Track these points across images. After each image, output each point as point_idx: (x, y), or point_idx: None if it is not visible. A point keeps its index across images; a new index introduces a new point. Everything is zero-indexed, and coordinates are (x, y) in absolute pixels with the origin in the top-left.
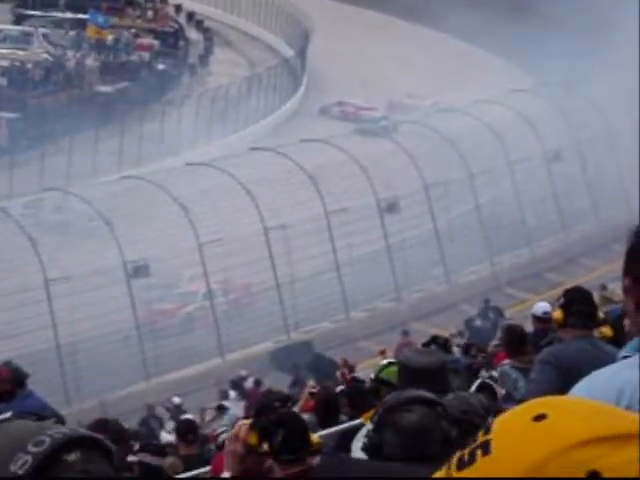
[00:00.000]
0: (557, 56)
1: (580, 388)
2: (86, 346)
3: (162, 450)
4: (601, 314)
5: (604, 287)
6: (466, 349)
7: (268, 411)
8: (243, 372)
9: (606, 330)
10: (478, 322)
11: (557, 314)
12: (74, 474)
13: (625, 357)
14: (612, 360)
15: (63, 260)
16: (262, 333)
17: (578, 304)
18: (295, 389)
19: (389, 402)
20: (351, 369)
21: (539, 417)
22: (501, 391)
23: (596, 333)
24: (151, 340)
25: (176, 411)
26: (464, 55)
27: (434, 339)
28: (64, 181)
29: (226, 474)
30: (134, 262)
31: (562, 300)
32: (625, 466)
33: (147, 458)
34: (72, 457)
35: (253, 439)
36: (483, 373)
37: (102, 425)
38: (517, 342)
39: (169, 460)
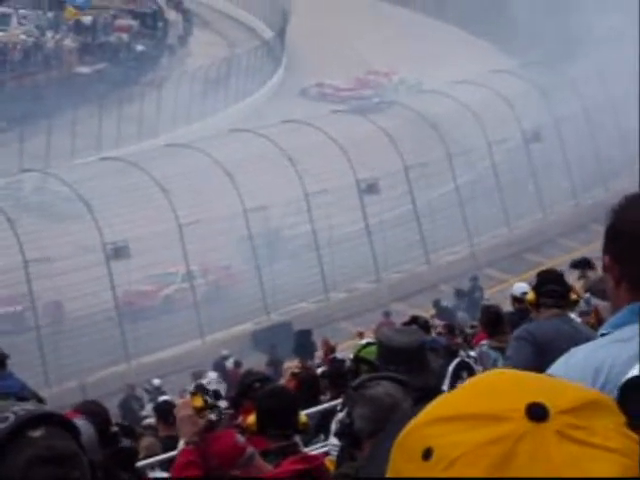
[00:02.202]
0: (536, 36)
1: (559, 365)
2: (66, 327)
3: (133, 431)
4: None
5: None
6: (448, 329)
7: (249, 392)
8: (224, 352)
9: None
10: (445, 303)
11: (530, 296)
12: (39, 450)
13: (603, 335)
14: (587, 338)
15: (42, 241)
16: (242, 314)
17: (550, 284)
18: (270, 368)
19: (357, 381)
20: (332, 349)
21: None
22: (480, 369)
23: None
24: (131, 321)
25: (156, 393)
26: (443, 36)
27: (414, 319)
28: (43, 162)
29: (181, 441)
30: (114, 244)
31: (534, 282)
32: (453, 446)
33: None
34: (37, 433)
35: (198, 401)
36: (462, 353)
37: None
38: (494, 322)
39: (147, 441)
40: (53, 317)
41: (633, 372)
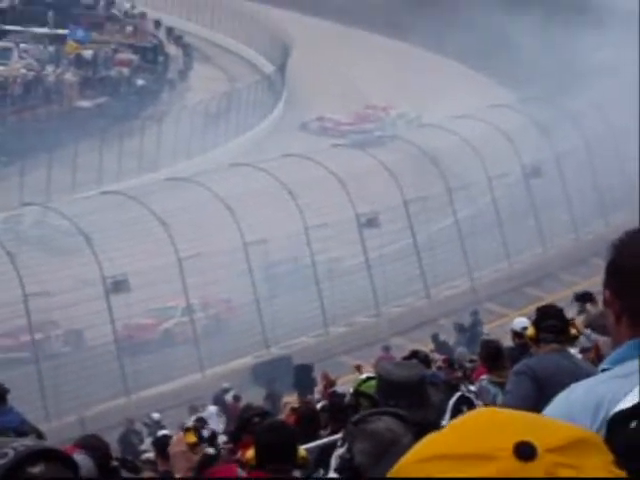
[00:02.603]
0: (535, 71)
1: (559, 400)
2: (65, 361)
3: (135, 467)
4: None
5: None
6: (448, 364)
7: (249, 426)
8: (225, 384)
9: None
10: (444, 337)
11: (530, 331)
12: None
13: (604, 370)
14: (587, 374)
15: (42, 275)
16: (242, 348)
17: (549, 320)
18: (268, 403)
19: (357, 416)
20: (331, 383)
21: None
22: (480, 404)
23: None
24: (131, 355)
25: (155, 427)
26: (442, 70)
27: (414, 354)
28: (43, 196)
29: (177, 477)
30: (113, 277)
31: (534, 317)
32: None
33: (123, 474)
34: (36, 469)
35: (191, 437)
36: (463, 388)
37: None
38: (494, 357)
39: (146, 476)
40: (76, 344)
41: (620, 406)
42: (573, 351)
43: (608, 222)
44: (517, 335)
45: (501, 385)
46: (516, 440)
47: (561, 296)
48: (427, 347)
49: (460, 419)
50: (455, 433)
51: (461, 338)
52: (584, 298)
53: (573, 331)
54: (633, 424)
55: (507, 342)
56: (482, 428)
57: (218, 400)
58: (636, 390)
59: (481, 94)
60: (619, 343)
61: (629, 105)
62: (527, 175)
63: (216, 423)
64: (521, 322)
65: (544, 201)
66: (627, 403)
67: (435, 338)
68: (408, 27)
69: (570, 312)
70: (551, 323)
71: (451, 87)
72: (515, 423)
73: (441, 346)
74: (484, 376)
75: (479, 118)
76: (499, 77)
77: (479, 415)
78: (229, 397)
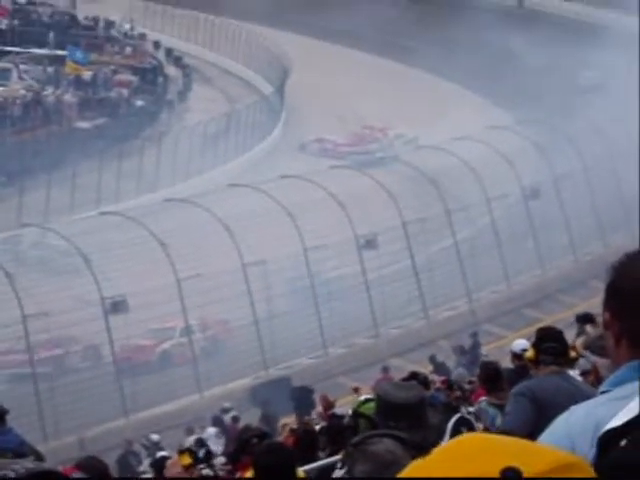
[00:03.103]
0: (533, 92)
1: (559, 422)
2: (64, 382)
3: None
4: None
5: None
6: (447, 385)
7: (247, 448)
8: (226, 404)
9: None
10: (442, 358)
11: (529, 353)
12: None
13: (603, 392)
14: (586, 396)
15: (41, 296)
16: (241, 369)
17: (549, 342)
18: (262, 424)
19: (357, 438)
20: (330, 405)
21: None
22: (480, 426)
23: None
24: (129, 376)
25: (154, 448)
26: (440, 91)
27: (414, 375)
28: (42, 217)
29: None
30: (112, 298)
31: (533, 339)
32: None
33: None
34: None
35: (186, 459)
36: (462, 409)
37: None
38: (493, 379)
39: None
40: (95, 359)
41: (612, 423)
42: (573, 373)
43: (607, 244)
44: (516, 357)
45: (500, 407)
46: (503, 465)
47: (560, 318)
48: (426, 368)
49: (448, 444)
50: (443, 458)
51: (460, 359)
52: (585, 319)
53: (572, 354)
54: (623, 442)
55: (506, 364)
56: (469, 453)
57: (217, 421)
58: (627, 408)
59: (479, 115)
60: (618, 365)
61: (627, 126)
62: (526, 197)
63: (215, 444)
64: (521, 344)
65: (543, 223)
66: (618, 421)
67: (433, 359)
68: (406, 49)
69: (569, 334)
70: (551, 345)
71: (449, 108)
72: (502, 448)
73: (439, 367)
74: (483, 398)
75: (478, 140)
76: (496, 98)
77: (466, 440)
78: (228, 417)
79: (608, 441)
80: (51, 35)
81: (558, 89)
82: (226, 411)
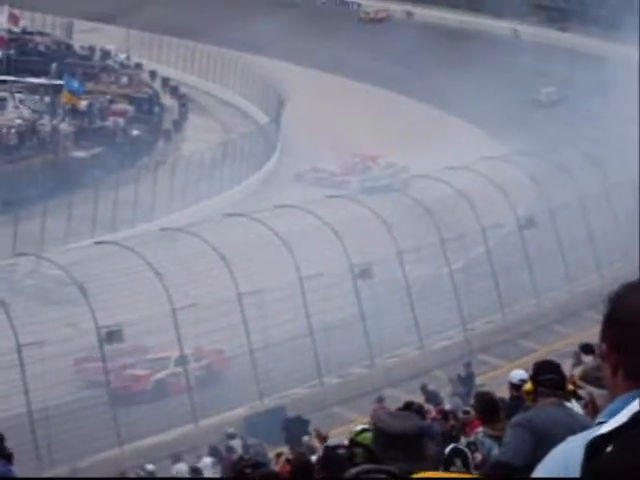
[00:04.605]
0: (527, 124)
1: (556, 453)
2: (58, 412)
3: None
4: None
5: (577, 354)
6: (442, 415)
7: (241, 477)
8: (230, 429)
9: None
10: (432, 386)
11: (527, 386)
12: None
13: (600, 423)
14: (584, 427)
15: (36, 325)
16: (235, 399)
17: (546, 374)
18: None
19: (349, 474)
20: (324, 439)
21: None
22: (478, 456)
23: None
24: (124, 406)
25: (149, 478)
26: (435, 121)
27: (409, 405)
28: (38, 246)
29: None
30: (107, 327)
31: (531, 372)
32: None
33: None
34: None
35: None
36: (463, 439)
37: None
38: (489, 410)
39: None
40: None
41: (600, 431)
42: (577, 407)
43: (602, 274)
44: (514, 387)
45: (496, 438)
46: None
47: (555, 348)
48: (421, 398)
49: None
50: None
51: (456, 389)
52: (587, 350)
53: (570, 386)
54: (609, 448)
55: (501, 393)
56: None
57: (214, 451)
58: (616, 417)
59: (472, 145)
60: (615, 396)
61: (623, 157)
62: (521, 227)
63: (211, 474)
64: (518, 374)
65: (538, 253)
66: (606, 428)
67: (424, 388)
68: (399, 78)
69: (565, 364)
70: (548, 377)
71: (441, 137)
72: None
73: (431, 396)
74: (480, 428)
75: (472, 169)
76: (489, 128)
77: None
78: (236, 443)
79: (595, 447)
80: (53, 65)
81: (550, 120)
82: (231, 437)
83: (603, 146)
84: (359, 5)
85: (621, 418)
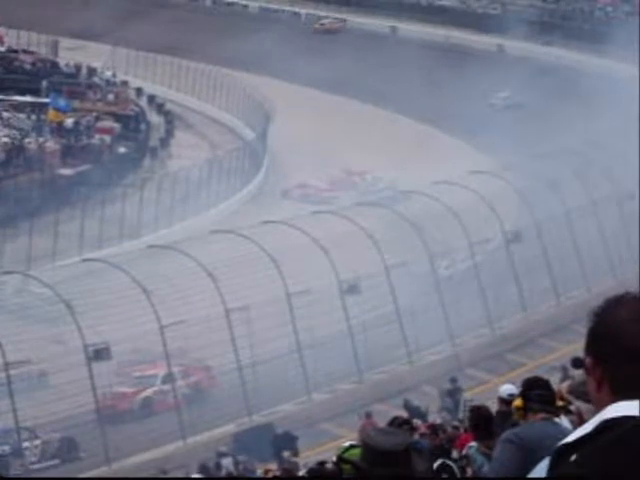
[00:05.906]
0: (513, 138)
1: (544, 465)
2: (45, 431)
3: None
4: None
5: (565, 368)
6: (431, 430)
7: None
8: (222, 448)
9: None
10: (416, 402)
11: (517, 402)
12: None
13: None
14: None
15: (23, 343)
16: (224, 416)
17: (536, 390)
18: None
19: None
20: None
21: None
22: (469, 471)
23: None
24: (111, 424)
25: None
26: (422, 136)
27: (398, 422)
28: (25, 264)
29: None
30: (95, 345)
31: (520, 389)
32: None
33: None
34: None
35: None
36: (454, 454)
37: None
38: (484, 425)
39: None
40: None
41: (566, 439)
42: (566, 422)
43: (589, 288)
44: (504, 402)
45: (489, 456)
46: None
47: (543, 362)
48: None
49: None
50: None
51: (445, 403)
52: (576, 364)
53: (560, 402)
54: (573, 457)
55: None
56: None
57: (202, 470)
58: (583, 426)
59: (459, 160)
60: (600, 410)
61: (609, 171)
62: (508, 241)
63: None
64: (508, 389)
65: (525, 267)
66: (572, 437)
67: (407, 404)
68: (387, 94)
69: (553, 378)
70: (538, 393)
71: (430, 154)
72: None
73: (413, 411)
74: (473, 443)
75: (459, 184)
76: (476, 143)
77: None
78: (227, 462)
79: (560, 455)
80: (44, 83)
81: (537, 135)
82: (223, 455)
83: (589, 159)
84: (344, 21)
85: (587, 427)
